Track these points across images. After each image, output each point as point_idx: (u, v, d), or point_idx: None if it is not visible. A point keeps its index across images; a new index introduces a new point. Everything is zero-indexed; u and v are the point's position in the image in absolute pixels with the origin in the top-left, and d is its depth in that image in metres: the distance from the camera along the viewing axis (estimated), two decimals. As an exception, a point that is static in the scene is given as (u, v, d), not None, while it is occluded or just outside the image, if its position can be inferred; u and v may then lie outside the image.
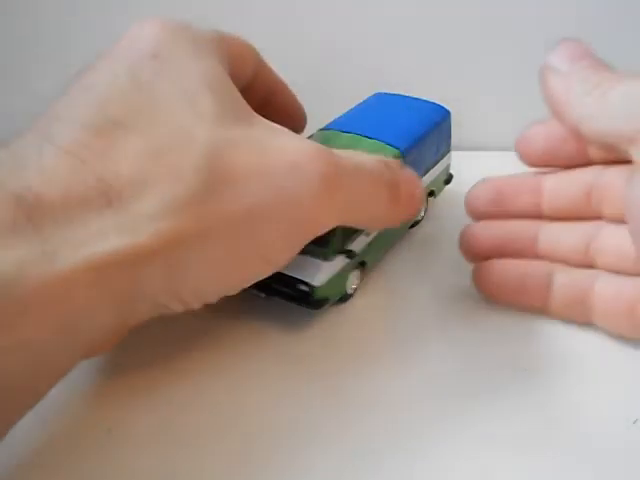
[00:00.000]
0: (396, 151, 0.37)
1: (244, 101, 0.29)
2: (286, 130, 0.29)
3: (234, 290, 0.30)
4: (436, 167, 0.44)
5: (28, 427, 0.26)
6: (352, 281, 0.38)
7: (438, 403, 0.31)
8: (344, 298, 0.38)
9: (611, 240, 0.32)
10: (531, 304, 0.34)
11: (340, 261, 0.35)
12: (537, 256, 0.34)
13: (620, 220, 0.31)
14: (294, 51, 0.51)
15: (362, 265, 0.38)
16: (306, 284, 0.34)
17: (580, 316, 0.33)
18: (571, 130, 0.31)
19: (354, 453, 0.28)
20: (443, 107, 0.43)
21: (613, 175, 0.32)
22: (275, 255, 0.29)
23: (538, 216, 0.35)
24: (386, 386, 0.32)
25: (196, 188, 0.25)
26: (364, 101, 0.44)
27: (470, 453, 0.28)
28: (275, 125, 0.29)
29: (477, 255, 0.36)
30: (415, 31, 0.54)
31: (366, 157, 0.32)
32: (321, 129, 0.40)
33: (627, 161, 0.29)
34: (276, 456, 0.28)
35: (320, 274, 0.34)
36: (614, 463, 0.27)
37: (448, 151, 0.45)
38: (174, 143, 0.25)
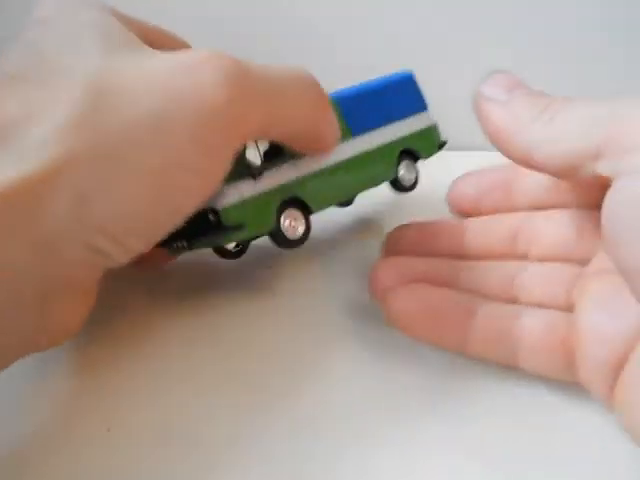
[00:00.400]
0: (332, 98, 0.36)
1: (136, 37, 0.28)
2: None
3: (163, 223, 0.28)
4: (406, 122, 0.42)
5: (28, 426, 0.26)
6: (287, 220, 0.35)
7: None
8: (281, 239, 0.35)
9: (537, 277, 0.31)
10: (449, 338, 0.31)
11: (250, 185, 0.33)
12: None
13: (548, 259, 0.31)
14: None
15: (302, 206, 0.36)
16: (212, 211, 0.32)
17: (504, 354, 0.30)
18: (520, 160, 0.28)
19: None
20: (407, 71, 0.43)
21: (540, 219, 0.32)
22: (192, 168, 0.27)
23: (460, 256, 0.34)
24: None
25: (83, 107, 0.24)
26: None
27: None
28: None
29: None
30: (415, 30, 0.54)
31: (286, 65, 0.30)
32: None
33: (553, 206, 0.31)
34: (276, 455, 0.28)
35: (222, 196, 0.32)
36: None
37: (422, 110, 0.43)
38: (60, 79, 0.25)
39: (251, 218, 0.34)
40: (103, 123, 0.24)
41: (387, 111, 0.41)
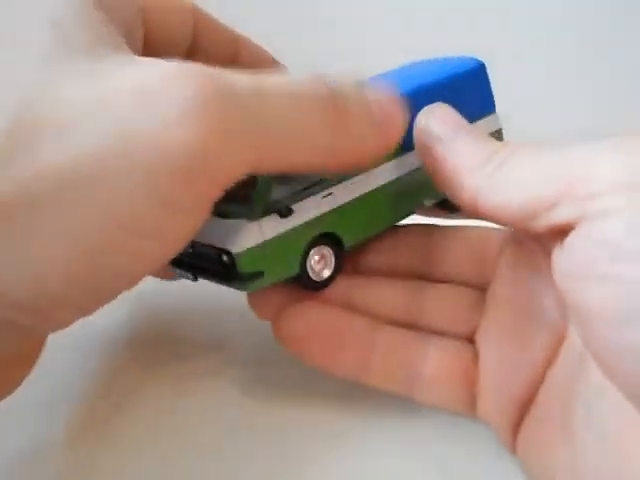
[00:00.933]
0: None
1: (112, 37, 0.23)
2: (155, 60, 0.21)
3: (104, 292, 0.22)
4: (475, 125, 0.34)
5: (28, 427, 0.27)
6: (315, 259, 0.29)
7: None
8: (308, 282, 0.29)
9: (439, 302, 0.30)
10: (346, 366, 0.29)
11: (275, 222, 0.27)
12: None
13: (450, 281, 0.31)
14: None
15: (335, 241, 0.29)
16: (226, 253, 0.27)
17: (404, 383, 0.29)
18: (466, 203, 0.26)
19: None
20: (474, 58, 0.35)
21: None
22: (145, 230, 0.20)
23: (357, 272, 0.33)
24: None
25: (3, 142, 0.20)
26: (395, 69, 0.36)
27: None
28: (143, 58, 0.22)
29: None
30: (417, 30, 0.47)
31: (285, 76, 0.25)
32: None
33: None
34: (275, 454, 0.29)
35: (241, 238, 0.26)
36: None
37: (491, 112, 0.36)
38: None
39: (272, 263, 0.28)
40: (26, 164, 0.19)
41: (463, 112, 0.33)
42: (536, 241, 0.28)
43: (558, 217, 0.23)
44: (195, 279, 0.29)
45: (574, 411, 0.24)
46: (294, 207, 0.28)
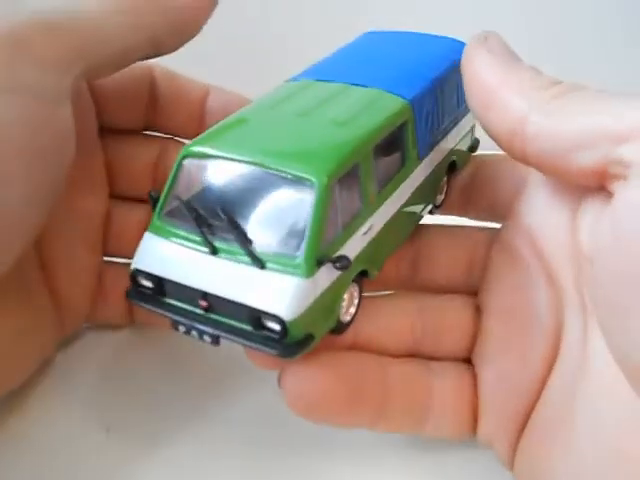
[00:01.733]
0: (404, 101, 0.26)
1: None
2: None
3: None
4: (459, 127, 0.31)
5: (28, 427, 0.28)
6: (347, 302, 0.24)
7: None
8: (338, 330, 0.25)
9: (440, 321, 0.29)
10: (365, 418, 0.26)
11: (327, 274, 0.22)
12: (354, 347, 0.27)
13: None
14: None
15: (362, 275, 0.25)
16: (271, 316, 0.21)
17: (416, 424, 0.27)
18: (505, 127, 0.24)
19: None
20: (459, 41, 0.30)
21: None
22: None
23: None
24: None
25: None
26: (351, 43, 0.32)
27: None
28: None
29: None
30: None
31: None
32: (288, 80, 0.28)
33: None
34: (275, 459, 0.28)
35: (294, 299, 0.21)
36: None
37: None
38: None
39: (321, 321, 0.23)
40: None
41: (451, 110, 0.30)
42: (524, 240, 0.27)
43: (624, 153, 0.20)
44: (216, 343, 0.22)
45: (575, 418, 0.23)
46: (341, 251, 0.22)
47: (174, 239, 0.23)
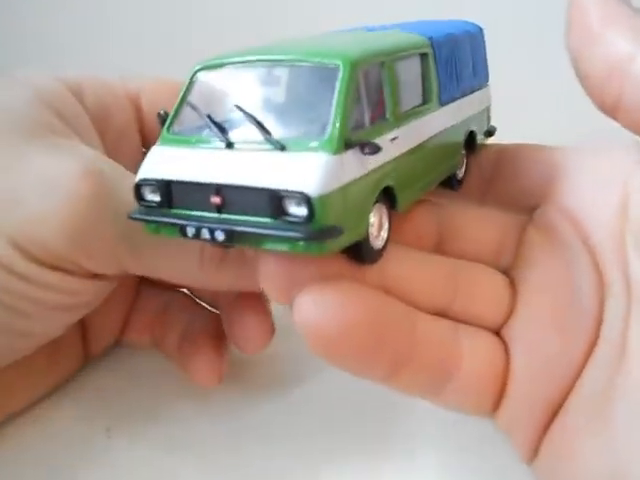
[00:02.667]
0: (424, 39, 0.25)
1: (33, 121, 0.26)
2: (66, 151, 0.26)
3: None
4: (475, 97, 0.30)
5: (28, 427, 0.28)
6: (377, 224, 0.22)
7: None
8: (366, 250, 0.21)
9: (474, 287, 0.26)
10: (383, 367, 0.22)
11: (355, 161, 0.20)
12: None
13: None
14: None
15: (390, 200, 0.23)
16: (295, 197, 0.18)
17: (434, 386, 0.24)
18: (605, 69, 0.22)
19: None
20: (471, 22, 0.31)
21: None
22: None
23: None
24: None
25: None
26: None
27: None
28: (59, 146, 0.26)
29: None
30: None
31: None
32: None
33: None
34: (276, 459, 0.28)
35: (321, 176, 0.18)
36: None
37: (486, 83, 0.32)
38: None
39: (350, 218, 0.20)
40: None
41: (467, 73, 0.29)
42: (566, 222, 0.25)
43: None
44: (230, 240, 0.19)
45: (613, 412, 0.21)
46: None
47: (185, 145, 0.21)
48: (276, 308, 0.31)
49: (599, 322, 0.23)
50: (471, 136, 0.30)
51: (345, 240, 0.20)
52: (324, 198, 0.18)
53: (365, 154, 0.20)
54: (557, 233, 0.26)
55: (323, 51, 0.21)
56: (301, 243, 0.19)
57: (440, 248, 0.28)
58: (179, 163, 0.21)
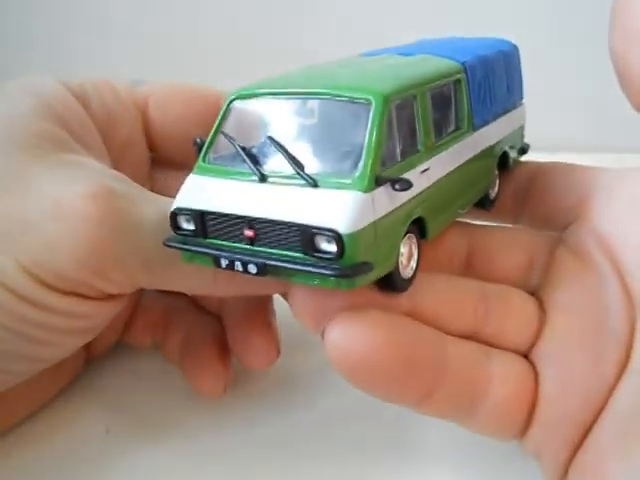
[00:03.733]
0: (457, 65, 0.25)
1: (44, 139, 0.25)
2: (74, 174, 0.25)
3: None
4: (509, 117, 0.30)
5: (28, 427, 0.29)
6: (407, 254, 0.22)
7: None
8: (397, 280, 0.22)
9: (504, 310, 0.25)
10: (414, 393, 0.23)
11: (386, 197, 0.20)
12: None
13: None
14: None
15: (419, 229, 0.23)
16: (329, 234, 0.19)
17: (466, 410, 0.24)
18: None
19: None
20: (506, 40, 0.31)
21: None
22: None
23: None
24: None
25: None
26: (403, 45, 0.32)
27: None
28: (65, 169, 0.25)
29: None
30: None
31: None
32: (359, 55, 0.28)
33: None
34: (277, 460, 0.28)
35: (352, 214, 0.19)
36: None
37: (521, 100, 0.32)
38: None
39: (380, 253, 0.20)
40: None
41: (502, 93, 0.29)
42: (596, 242, 0.25)
43: None
44: (262, 273, 0.20)
45: None
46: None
47: (219, 176, 0.22)
48: (283, 323, 0.31)
49: (630, 344, 0.23)
50: (504, 156, 0.30)
51: (375, 274, 0.20)
52: (354, 236, 0.19)
53: (396, 190, 0.20)
54: (587, 255, 0.25)
55: (356, 85, 0.21)
56: (332, 279, 0.19)
57: (470, 269, 0.28)
58: (214, 194, 0.21)
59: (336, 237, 0.19)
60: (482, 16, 0.52)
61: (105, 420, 0.30)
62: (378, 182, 0.20)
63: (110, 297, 0.25)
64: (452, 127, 0.25)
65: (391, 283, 0.22)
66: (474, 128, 0.26)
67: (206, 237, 0.21)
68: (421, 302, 0.24)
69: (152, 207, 0.24)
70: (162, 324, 0.34)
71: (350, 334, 0.21)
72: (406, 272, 0.22)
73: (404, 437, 0.29)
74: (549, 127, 0.45)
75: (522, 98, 0.32)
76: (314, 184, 0.20)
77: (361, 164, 0.19)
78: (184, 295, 0.34)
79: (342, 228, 0.19)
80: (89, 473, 0.27)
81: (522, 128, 0.32)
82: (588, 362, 0.24)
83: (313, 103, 0.21)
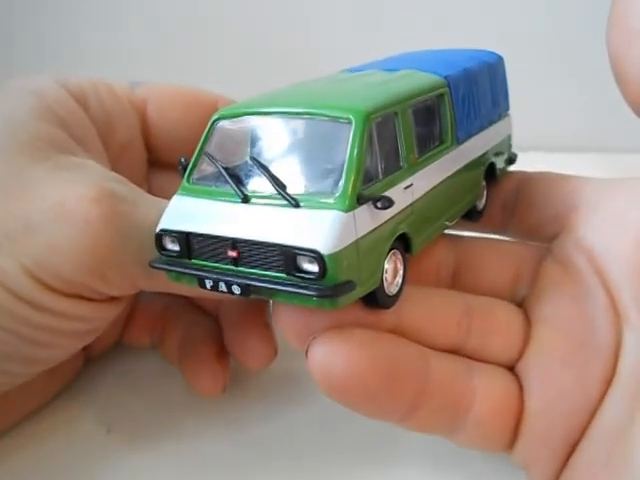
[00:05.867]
0: (440, 79, 0.25)
1: (40, 141, 0.25)
2: (75, 177, 0.24)
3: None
4: (495, 128, 0.30)
5: (28, 428, 0.29)
6: (391, 271, 0.22)
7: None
8: (381, 296, 0.22)
9: (488, 323, 0.25)
10: (398, 409, 0.23)
11: (367, 215, 0.20)
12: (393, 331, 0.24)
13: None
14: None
15: (404, 244, 0.23)
16: (310, 254, 0.19)
17: (451, 425, 0.24)
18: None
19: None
20: (491, 52, 0.31)
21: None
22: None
23: None
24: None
25: None
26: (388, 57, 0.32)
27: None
28: (65, 172, 0.25)
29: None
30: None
31: None
32: (343, 70, 0.28)
33: None
34: (277, 459, 0.28)
35: (333, 234, 0.19)
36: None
37: (507, 111, 0.32)
38: None
39: (363, 271, 0.20)
40: None
41: (486, 106, 0.29)
42: (582, 254, 0.25)
43: None
44: (246, 294, 0.20)
45: (633, 447, 0.21)
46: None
47: (203, 196, 0.22)
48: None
49: (616, 357, 0.23)
50: (491, 168, 0.30)
51: (359, 292, 0.20)
52: (336, 255, 0.19)
53: (377, 209, 0.20)
54: (574, 267, 0.25)
55: (336, 104, 0.21)
56: (314, 299, 0.19)
57: (457, 280, 0.28)
58: (198, 215, 0.21)
59: (318, 257, 0.19)
60: (474, 18, 0.52)
61: (106, 420, 0.30)
62: (360, 201, 0.20)
63: (111, 299, 0.25)
64: (436, 141, 0.25)
65: (376, 300, 0.22)
66: (458, 142, 0.26)
67: (190, 258, 0.21)
68: (407, 317, 0.24)
69: (152, 210, 0.24)
70: (160, 324, 0.34)
71: (332, 354, 0.21)
72: (391, 288, 0.22)
73: (401, 435, 0.29)
74: (549, 127, 0.45)
75: (508, 109, 0.32)
76: (295, 204, 0.20)
77: (342, 183, 0.20)
78: (182, 296, 0.34)
79: (323, 248, 0.19)
80: (89, 473, 0.28)
81: (509, 138, 0.33)
82: (573, 376, 0.24)
83: (295, 122, 0.21)
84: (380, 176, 0.21)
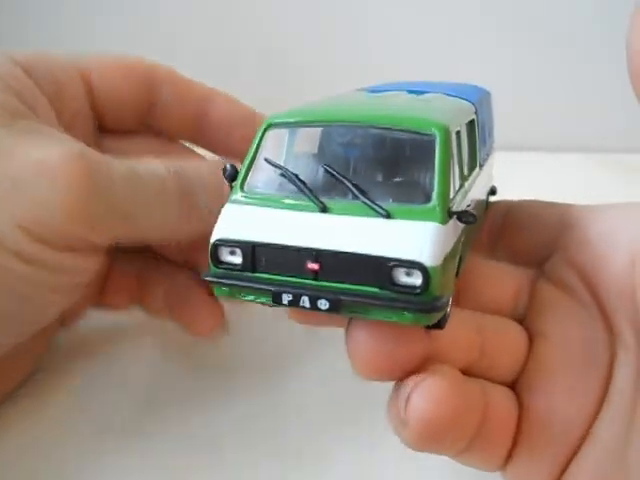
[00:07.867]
0: (470, 104, 0.26)
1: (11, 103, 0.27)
2: (55, 138, 0.26)
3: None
4: (491, 158, 0.31)
5: (27, 427, 0.29)
6: None
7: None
8: (445, 317, 0.21)
9: (498, 343, 0.26)
10: (461, 442, 0.24)
11: (452, 230, 0.20)
12: None
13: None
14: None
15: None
16: (412, 267, 0.18)
17: (466, 446, 0.24)
18: None
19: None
20: (482, 87, 0.32)
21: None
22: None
23: None
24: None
25: None
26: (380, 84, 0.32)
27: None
28: (48, 134, 0.27)
29: None
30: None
31: (150, 165, 0.28)
32: (360, 89, 0.28)
33: None
34: (275, 459, 0.28)
35: (433, 245, 0.18)
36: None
37: (492, 145, 0.33)
38: None
39: (447, 287, 0.20)
40: None
41: (486, 135, 0.30)
42: (575, 275, 0.26)
43: None
44: (335, 310, 0.18)
45: (628, 465, 0.22)
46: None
47: (266, 205, 0.20)
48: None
49: (610, 374, 0.24)
50: (492, 193, 0.31)
51: (450, 308, 0.20)
52: (438, 268, 0.18)
53: (463, 223, 0.20)
54: (567, 286, 0.26)
55: (416, 117, 0.21)
56: (410, 314, 0.18)
57: (459, 297, 0.28)
58: (265, 224, 0.20)
59: (421, 269, 0.18)
60: (473, 18, 0.53)
61: (105, 420, 0.30)
62: (450, 214, 0.19)
63: (95, 250, 0.27)
64: (471, 164, 0.25)
65: (441, 319, 0.21)
66: (480, 166, 0.27)
67: (255, 271, 0.19)
68: (437, 342, 0.23)
69: (121, 165, 0.26)
70: (138, 281, 0.36)
71: (435, 400, 0.20)
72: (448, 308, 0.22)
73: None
74: (549, 127, 0.46)
75: (494, 142, 0.33)
76: (387, 215, 0.19)
77: (434, 195, 0.19)
78: (155, 253, 0.36)
79: (427, 260, 0.18)
80: (87, 473, 0.28)
81: (491, 171, 0.34)
82: (570, 394, 0.24)
83: (369, 133, 0.20)
84: (456, 190, 0.21)
